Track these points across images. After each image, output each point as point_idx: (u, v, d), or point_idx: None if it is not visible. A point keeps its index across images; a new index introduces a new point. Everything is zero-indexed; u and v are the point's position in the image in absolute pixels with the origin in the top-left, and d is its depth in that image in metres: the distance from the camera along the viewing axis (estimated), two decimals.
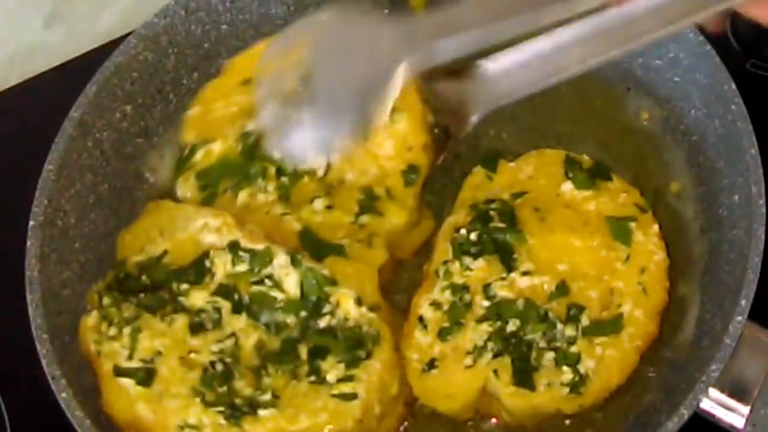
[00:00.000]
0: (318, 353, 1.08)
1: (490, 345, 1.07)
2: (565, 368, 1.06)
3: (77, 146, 1.21)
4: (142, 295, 1.12)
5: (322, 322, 1.09)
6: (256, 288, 1.11)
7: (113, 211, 1.25)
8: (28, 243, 1.13)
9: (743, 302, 1.02)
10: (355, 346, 1.07)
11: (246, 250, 1.12)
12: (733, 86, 1.13)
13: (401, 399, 1.11)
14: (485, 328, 1.08)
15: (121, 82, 1.26)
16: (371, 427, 1.07)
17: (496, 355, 1.07)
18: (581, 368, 1.06)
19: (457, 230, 1.14)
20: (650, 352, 1.11)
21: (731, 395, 1.03)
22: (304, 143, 0.95)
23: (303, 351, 1.08)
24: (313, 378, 1.06)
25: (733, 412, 1.03)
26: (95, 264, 1.20)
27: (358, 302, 1.09)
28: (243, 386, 1.06)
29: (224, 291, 1.11)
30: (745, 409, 1.03)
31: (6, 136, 1.47)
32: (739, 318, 1.02)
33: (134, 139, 1.28)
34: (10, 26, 1.50)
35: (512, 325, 1.08)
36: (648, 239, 1.12)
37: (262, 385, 1.07)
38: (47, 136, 1.19)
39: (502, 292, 1.10)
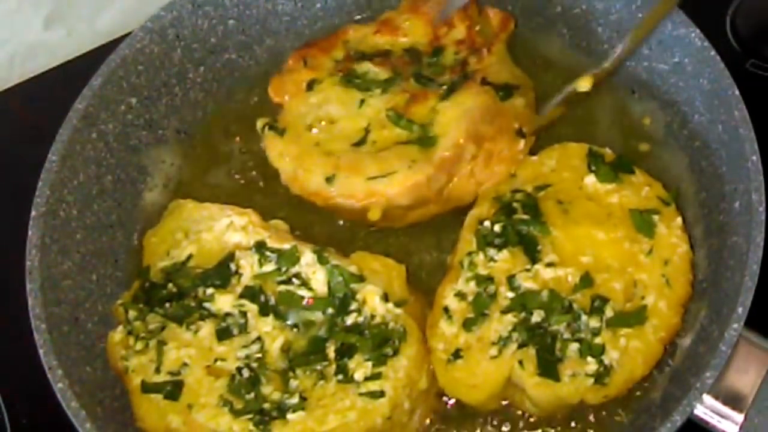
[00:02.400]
0: (345, 352, 1.08)
1: (514, 336, 1.07)
2: (589, 359, 1.06)
3: (81, 137, 1.21)
4: (167, 304, 1.12)
5: (349, 320, 1.09)
6: (282, 288, 1.11)
7: (116, 203, 1.25)
8: (30, 233, 1.14)
9: (740, 309, 1.02)
10: (381, 343, 1.08)
11: (273, 250, 1.13)
12: (737, 92, 1.13)
13: (432, 392, 1.11)
14: (510, 318, 1.08)
15: (127, 74, 1.26)
16: (402, 422, 1.08)
17: (521, 346, 1.07)
18: (606, 359, 1.05)
19: (481, 222, 1.14)
20: None
21: (725, 403, 1.03)
22: None
23: (330, 350, 1.08)
24: (340, 377, 1.07)
25: (727, 420, 1.03)
26: (96, 255, 1.21)
27: (385, 298, 1.10)
28: (270, 391, 1.07)
29: (251, 293, 1.11)
30: (739, 417, 1.03)
31: (6, 136, 1.48)
32: (736, 325, 1.01)
33: (139, 132, 1.29)
34: (10, 26, 1.51)
35: (537, 316, 1.08)
36: (671, 232, 1.12)
37: (289, 387, 1.07)
38: (47, 135, 1.19)
39: (526, 283, 1.10)
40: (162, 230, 1.19)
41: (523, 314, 1.08)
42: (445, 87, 1.20)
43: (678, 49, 1.21)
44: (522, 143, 1.21)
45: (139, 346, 1.10)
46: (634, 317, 1.08)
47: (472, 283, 1.11)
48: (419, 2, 1.28)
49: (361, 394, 1.05)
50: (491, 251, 1.12)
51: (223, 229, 1.16)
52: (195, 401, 1.06)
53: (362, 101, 1.22)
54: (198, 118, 1.33)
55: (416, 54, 1.25)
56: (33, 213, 1.15)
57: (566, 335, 1.07)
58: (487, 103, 1.18)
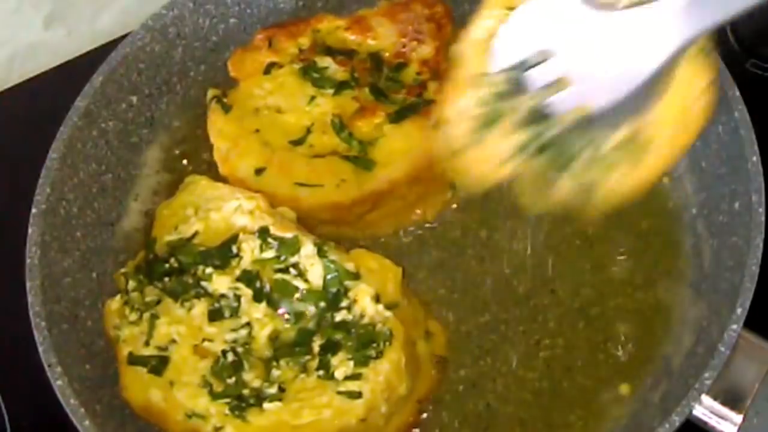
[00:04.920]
0: (330, 348, 1.08)
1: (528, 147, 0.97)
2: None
3: (82, 135, 1.22)
4: (167, 279, 1.13)
5: (339, 316, 1.09)
6: (279, 276, 1.11)
7: (116, 201, 1.26)
8: (30, 230, 1.14)
9: (739, 310, 1.02)
10: (366, 344, 1.07)
11: (275, 237, 1.13)
12: (737, 93, 1.12)
13: (412, 398, 1.11)
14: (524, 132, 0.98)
15: (128, 72, 1.27)
16: (378, 425, 1.07)
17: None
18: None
19: None
20: (647, 358, 1.12)
21: (724, 403, 1.03)
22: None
23: (316, 344, 1.08)
24: (321, 372, 1.06)
25: (726, 420, 1.03)
26: (96, 253, 1.21)
27: (376, 299, 1.09)
28: (252, 377, 1.07)
29: (247, 277, 1.11)
30: (738, 418, 1.03)
31: (6, 135, 1.48)
32: (735, 326, 1.02)
33: (140, 130, 1.29)
34: (10, 26, 1.51)
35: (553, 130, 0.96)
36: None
37: (270, 377, 1.07)
38: (47, 135, 1.20)
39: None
40: (174, 204, 1.19)
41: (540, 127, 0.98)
42: (396, 108, 1.20)
43: None
44: (450, 193, 1.23)
45: (133, 317, 1.11)
46: None
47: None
48: (398, 8, 1.27)
49: (339, 393, 1.05)
50: None
51: (231, 210, 1.16)
52: (177, 379, 1.07)
53: (312, 98, 1.22)
54: (199, 117, 1.33)
55: (379, 61, 1.25)
56: (33, 211, 1.15)
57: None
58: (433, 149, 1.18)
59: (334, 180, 1.17)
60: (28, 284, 1.11)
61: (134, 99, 1.28)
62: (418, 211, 1.22)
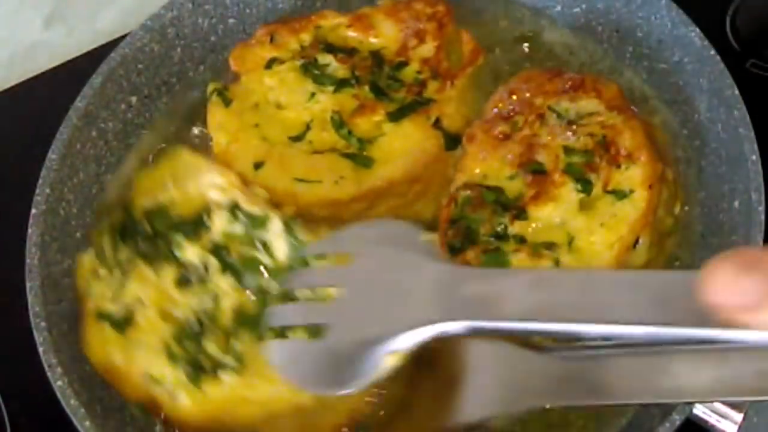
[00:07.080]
0: None
1: None
2: None
3: (81, 136, 1.22)
4: (140, 241, 1.13)
5: (301, 294, 1.08)
6: (246, 250, 1.12)
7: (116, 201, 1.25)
8: (29, 231, 1.14)
9: None
10: None
11: (245, 213, 1.13)
12: (737, 92, 1.12)
13: None
14: None
15: (127, 73, 1.27)
16: (332, 404, 1.06)
17: None
18: None
19: None
20: None
21: (724, 402, 1.02)
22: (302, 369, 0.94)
23: None
24: None
25: (726, 419, 1.03)
26: None
27: None
28: (212, 347, 1.07)
29: (216, 249, 1.12)
30: (738, 417, 1.02)
31: (6, 136, 1.48)
32: None
33: (139, 130, 1.29)
34: (10, 26, 1.51)
35: None
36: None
37: (230, 348, 1.07)
38: (47, 135, 1.20)
39: None
40: (155, 172, 1.19)
41: None
42: (396, 106, 1.20)
43: (678, 49, 1.21)
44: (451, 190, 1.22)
45: (104, 273, 1.11)
46: None
47: None
48: (399, 7, 1.27)
49: None
50: None
51: (207, 184, 1.16)
52: (139, 339, 1.07)
53: (313, 95, 1.22)
54: (199, 117, 1.33)
55: (380, 60, 1.25)
56: (33, 211, 1.15)
57: None
58: (433, 149, 1.19)
59: (332, 177, 1.17)
60: (28, 284, 1.11)
61: (133, 99, 1.28)
62: (418, 209, 1.22)
